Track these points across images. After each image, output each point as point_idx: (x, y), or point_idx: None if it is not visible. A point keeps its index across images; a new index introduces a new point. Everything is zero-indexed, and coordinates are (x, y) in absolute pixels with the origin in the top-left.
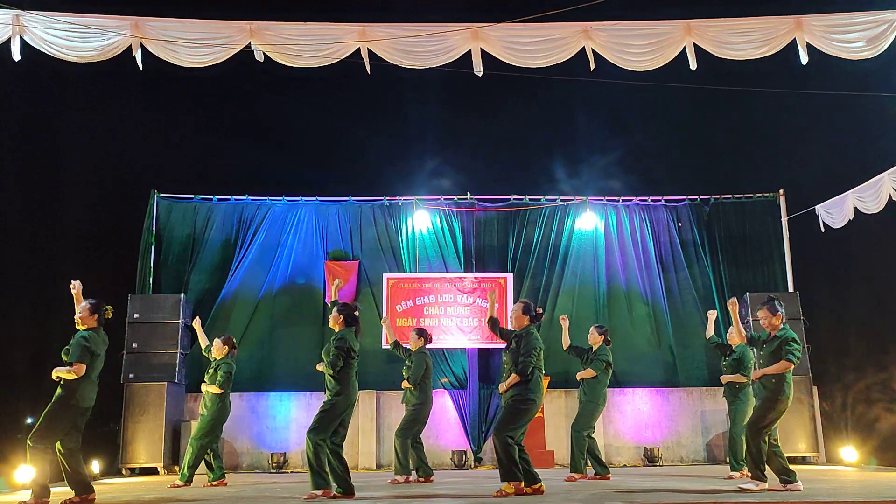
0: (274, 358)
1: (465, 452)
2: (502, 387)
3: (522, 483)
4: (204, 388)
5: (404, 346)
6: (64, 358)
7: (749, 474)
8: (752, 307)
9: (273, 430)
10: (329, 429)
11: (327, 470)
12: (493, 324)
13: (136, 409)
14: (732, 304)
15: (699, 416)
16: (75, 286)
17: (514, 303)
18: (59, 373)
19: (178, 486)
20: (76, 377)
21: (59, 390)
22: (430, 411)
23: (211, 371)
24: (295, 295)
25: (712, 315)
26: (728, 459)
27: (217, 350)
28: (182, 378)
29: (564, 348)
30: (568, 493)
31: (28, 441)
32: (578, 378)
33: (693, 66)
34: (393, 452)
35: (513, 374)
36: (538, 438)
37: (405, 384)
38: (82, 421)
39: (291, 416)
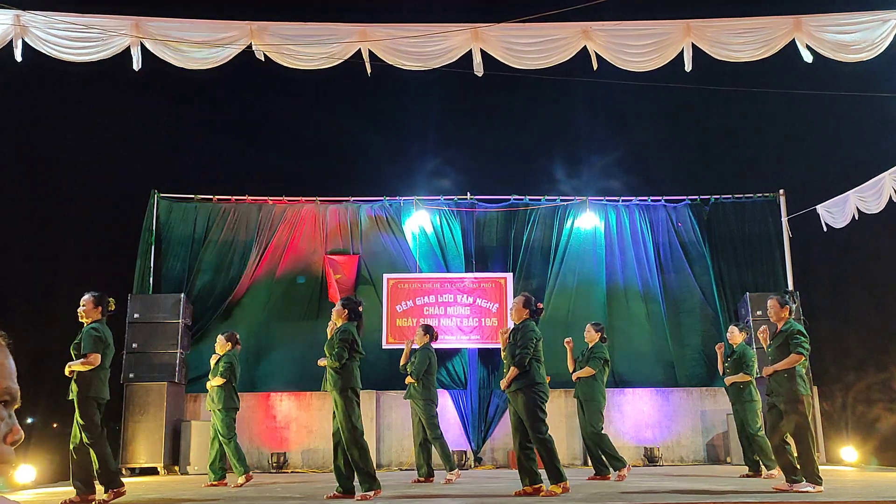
0: (274, 357)
1: (465, 452)
2: (503, 383)
3: (565, 483)
4: (209, 384)
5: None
6: (73, 353)
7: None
8: (753, 307)
9: (273, 430)
10: (359, 425)
11: (371, 469)
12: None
13: (136, 409)
14: (763, 332)
15: (699, 416)
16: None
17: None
18: (73, 366)
19: (241, 485)
20: (91, 367)
21: (74, 387)
22: (437, 409)
23: (213, 367)
24: (295, 295)
25: (720, 349)
26: (756, 459)
27: (220, 346)
28: (182, 378)
29: (571, 371)
30: (568, 493)
31: (85, 443)
32: (575, 378)
33: (689, 67)
34: (414, 455)
35: (511, 368)
36: None
37: (409, 379)
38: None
39: (291, 416)
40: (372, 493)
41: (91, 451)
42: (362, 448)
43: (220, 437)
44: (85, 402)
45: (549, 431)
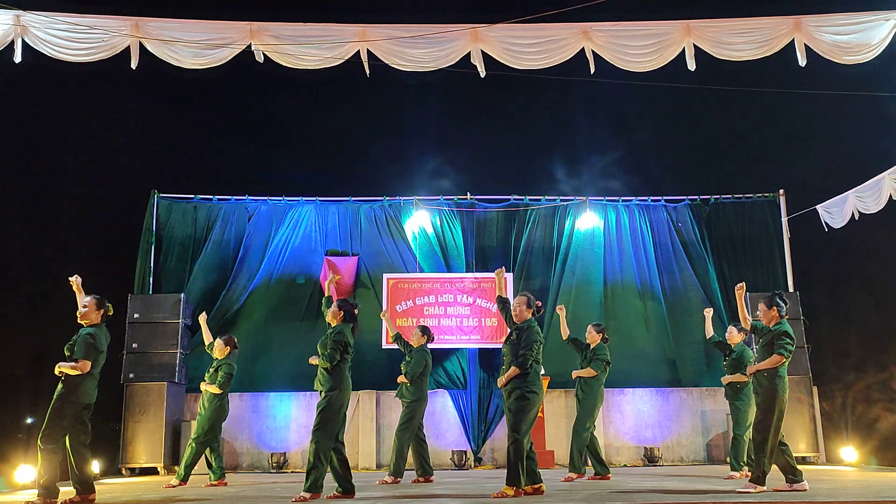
0: (274, 357)
1: (465, 452)
2: (501, 380)
3: (522, 488)
4: (203, 387)
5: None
6: (67, 354)
7: (748, 475)
8: (753, 307)
9: (273, 430)
10: (334, 427)
11: (324, 474)
12: (504, 303)
13: (136, 409)
14: (740, 289)
15: (699, 416)
16: (75, 280)
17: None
18: (62, 368)
19: (174, 486)
20: (80, 373)
21: (60, 387)
22: (425, 409)
23: (211, 371)
24: (295, 294)
25: (709, 313)
26: (728, 459)
27: (219, 350)
28: (182, 378)
29: (564, 338)
30: (568, 493)
31: (38, 443)
32: (575, 376)
33: (692, 66)
34: (391, 452)
35: (512, 367)
36: (538, 438)
37: (401, 378)
38: (86, 415)
39: (291, 416)
40: (309, 495)
41: (39, 449)
42: (325, 451)
43: (192, 437)
44: (64, 405)
45: (529, 438)
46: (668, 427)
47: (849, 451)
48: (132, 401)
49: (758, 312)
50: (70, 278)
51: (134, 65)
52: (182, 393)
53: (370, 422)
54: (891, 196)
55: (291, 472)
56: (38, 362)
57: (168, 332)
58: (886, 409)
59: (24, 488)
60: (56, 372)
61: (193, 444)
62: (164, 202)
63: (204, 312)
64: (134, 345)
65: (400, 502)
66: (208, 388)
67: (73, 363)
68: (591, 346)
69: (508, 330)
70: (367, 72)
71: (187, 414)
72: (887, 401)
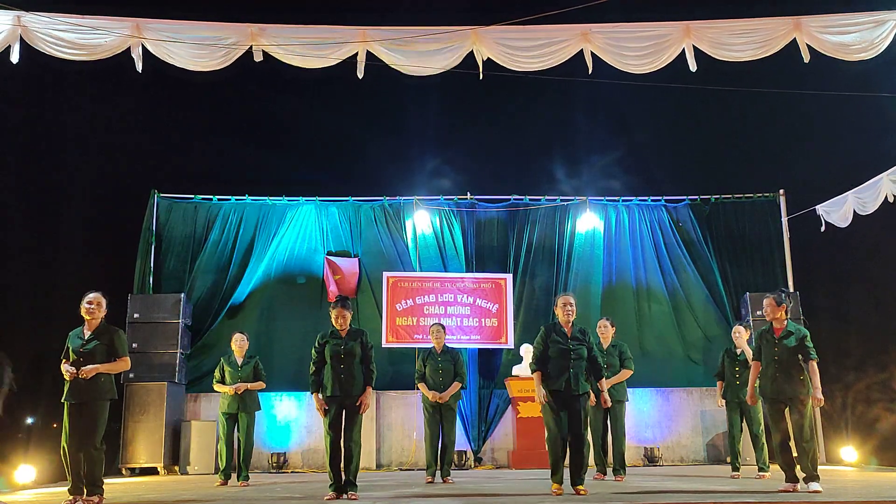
0: (274, 357)
1: (465, 452)
2: (601, 399)
3: None
4: (248, 386)
5: (427, 348)
6: (85, 352)
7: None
8: (753, 307)
9: (273, 430)
10: None
11: None
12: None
13: (136, 409)
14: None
15: (699, 416)
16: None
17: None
18: (108, 368)
19: (248, 485)
20: (115, 372)
21: (96, 388)
22: None
23: (247, 368)
24: (295, 295)
25: (720, 394)
26: (751, 461)
27: (243, 346)
28: (182, 378)
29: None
30: (569, 494)
31: (92, 450)
32: (610, 385)
33: (693, 67)
34: (423, 453)
35: (603, 378)
36: (538, 438)
37: (457, 386)
38: None
39: (291, 416)
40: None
41: (93, 453)
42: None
43: (249, 438)
44: (106, 404)
45: None
46: (668, 427)
47: (849, 451)
48: (132, 401)
49: (758, 312)
50: (66, 371)
51: (139, 68)
52: (182, 393)
53: (370, 422)
54: (888, 196)
55: (291, 472)
56: (38, 362)
57: (168, 332)
58: (886, 409)
59: (24, 488)
60: (84, 375)
61: (251, 444)
62: (164, 202)
63: (239, 385)
64: (134, 345)
65: (400, 502)
66: (252, 386)
67: (117, 361)
68: (610, 342)
69: (567, 333)
70: (360, 74)
71: (187, 414)
72: (887, 401)
